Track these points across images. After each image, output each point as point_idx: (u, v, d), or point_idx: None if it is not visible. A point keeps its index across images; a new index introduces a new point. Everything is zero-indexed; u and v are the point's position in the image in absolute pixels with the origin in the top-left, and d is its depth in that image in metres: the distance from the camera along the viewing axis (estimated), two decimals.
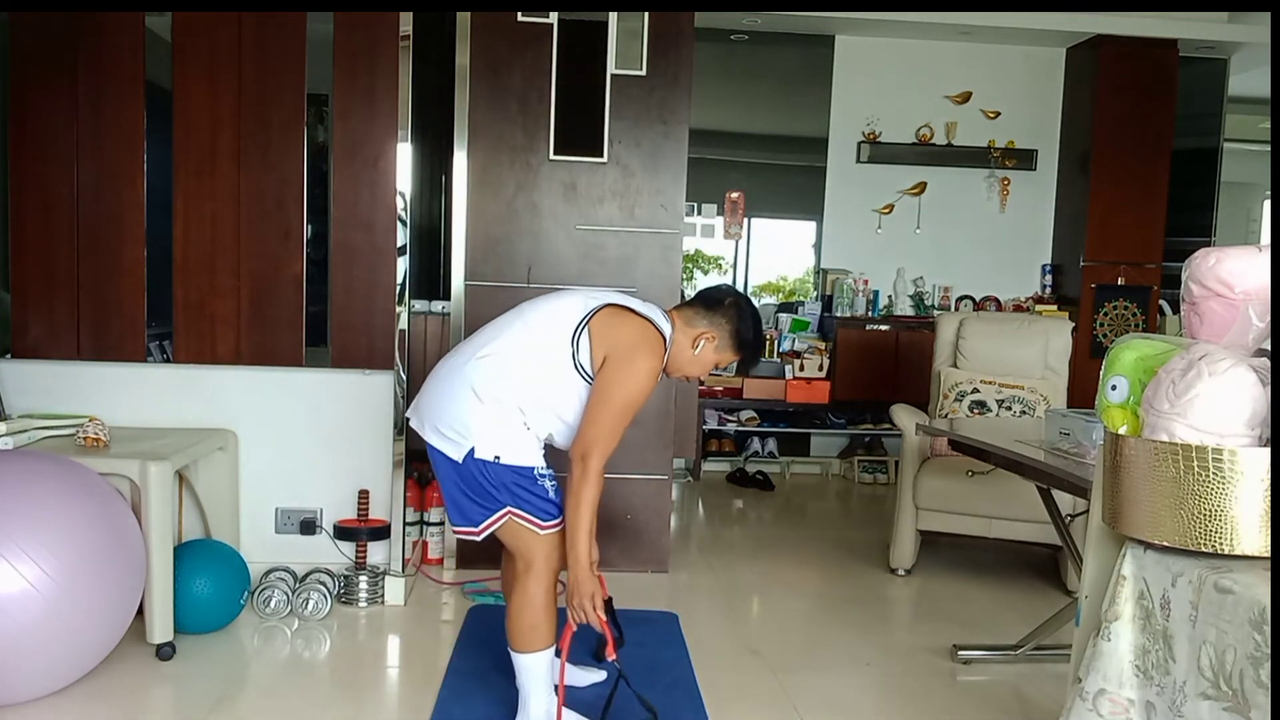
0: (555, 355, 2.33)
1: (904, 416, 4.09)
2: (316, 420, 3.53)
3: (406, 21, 3.38)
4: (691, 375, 2.53)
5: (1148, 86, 5.75)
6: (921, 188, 6.09)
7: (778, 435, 6.01)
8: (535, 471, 2.35)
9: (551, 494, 2.37)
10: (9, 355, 3.38)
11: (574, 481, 2.27)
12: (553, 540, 2.35)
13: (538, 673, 2.37)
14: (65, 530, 2.50)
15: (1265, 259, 1.80)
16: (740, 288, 6.38)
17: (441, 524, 3.85)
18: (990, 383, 4.24)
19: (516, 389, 2.32)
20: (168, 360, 3.44)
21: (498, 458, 2.31)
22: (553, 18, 3.73)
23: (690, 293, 6.20)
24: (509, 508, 2.32)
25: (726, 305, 2.49)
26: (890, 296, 6.08)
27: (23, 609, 2.39)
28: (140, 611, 2.80)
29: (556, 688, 2.43)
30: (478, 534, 2.35)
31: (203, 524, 3.37)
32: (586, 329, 2.34)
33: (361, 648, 3.13)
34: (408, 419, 2.48)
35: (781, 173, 6.28)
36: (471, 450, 2.30)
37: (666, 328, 2.42)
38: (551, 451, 2.44)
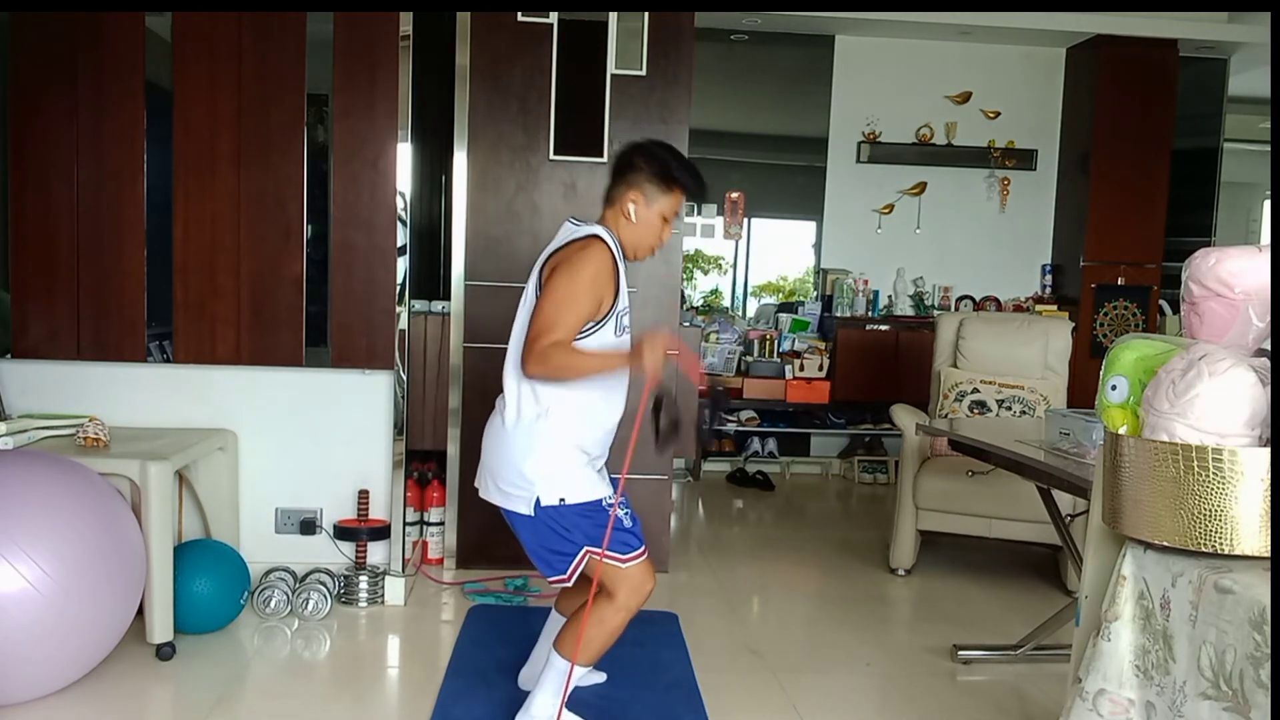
0: None
1: (904, 416, 4.09)
2: (316, 420, 3.53)
3: (406, 21, 3.38)
4: (653, 243, 2.41)
5: (1148, 86, 5.75)
6: (921, 188, 6.09)
7: (778, 435, 6.01)
8: (604, 503, 2.34)
9: (627, 523, 2.36)
10: (9, 355, 3.38)
11: (550, 372, 2.21)
12: (635, 573, 2.33)
13: (563, 679, 2.37)
14: (65, 530, 2.50)
15: (1265, 259, 1.80)
16: (740, 288, 6.41)
17: (441, 524, 3.85)
18: (990, 383, 4.24)
19: (543, 403, 2.31)
20: (168, 360, 3.44)
21: (563, 500, 2.31)
22: (553, 18, 3.72)
23: (690, 292, 6.26)
24: (587, 547, 2.31)
25: (633, 159, 2.38)
26: (890, 296, 6.08)
27: (23, 609, 2.39)
28: (140, 611, 2.80)
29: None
30: (568, 580, 2.35)
31: (203, 524, 3.37)
32: (538, 291, 2.32)
33: (361, 648, 3.13)
34: (476, 488, 2.46)
35: (781, 173, 6.29)
36: (537, 500, 2.30)
37: (598, 228, 2.35)
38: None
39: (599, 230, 2.35)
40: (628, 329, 2.42)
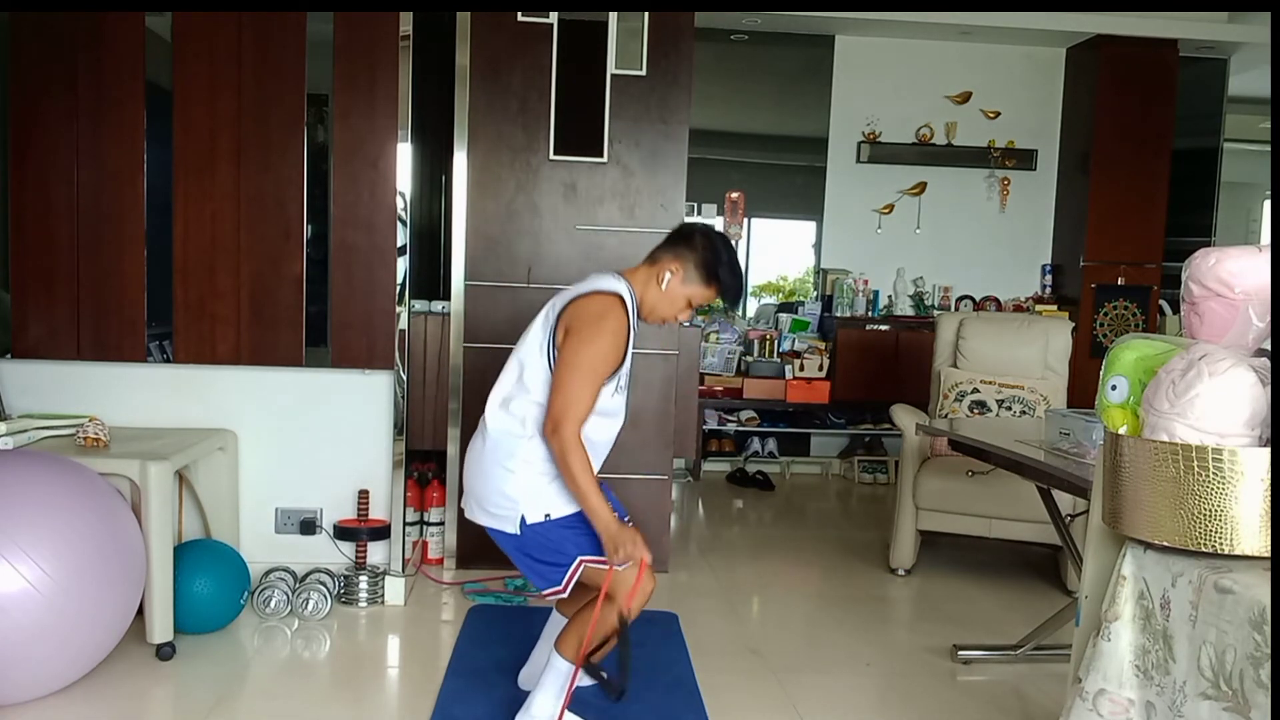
0: (543, 381, 2.35)
1: (904, 416, 4.09)
2: (316, 420, 3.53)
3: (406, 21, 3.38)
4: (668, 316, 2.47)
5: (1148, 86, 5.75)
6: (921, 188, 6.09)
7: (778, 435, 6.01)
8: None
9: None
10: (9, 355, 3.38)
11: (556, 455, 2.25)
12: (632, 573, 2.33)
13: (565, 679, 2.37)
14: (65, 530, 2.50)
15: (1265, 259, 1.80)
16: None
17: (441, 524, 3.85)
18: (990, 383, 4.24)
19: (530, 437, 2.34)
20: (168, 360, 3.44)
21: (548, 515, 2.33)
22: (553, 18, 3.72)
23: None
24: (580, 557, 2.33)
25: (694, 238, 2.43)
26: (890, 296, 6.08)
27: (23, 609, 2.39)
28: (140, 611, 2.80)
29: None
30: (564, 591, 2.36)
31: (203, 524, 3.37)
32: (554, 345, 2.35)
33: (361, 648, 3.13)
34: (461, 509, 2.49)
35: (781, 173, 6.29)
36: (523, 518, 2.33)
37: (620, 285, 2.38)
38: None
39: (622, 289, 2.38)
40: (626, 388, 2.46)
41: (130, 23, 3.30)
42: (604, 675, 2.36)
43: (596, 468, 2.41)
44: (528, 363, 2.40)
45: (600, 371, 2.30)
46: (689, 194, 3.97)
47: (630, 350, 2.40)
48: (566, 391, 2.26)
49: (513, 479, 2.34)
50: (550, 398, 2.28)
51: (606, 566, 2.31)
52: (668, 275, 2.41)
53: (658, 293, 2.43)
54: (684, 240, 2.44)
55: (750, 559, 4.23)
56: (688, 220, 2.52)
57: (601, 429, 2.42)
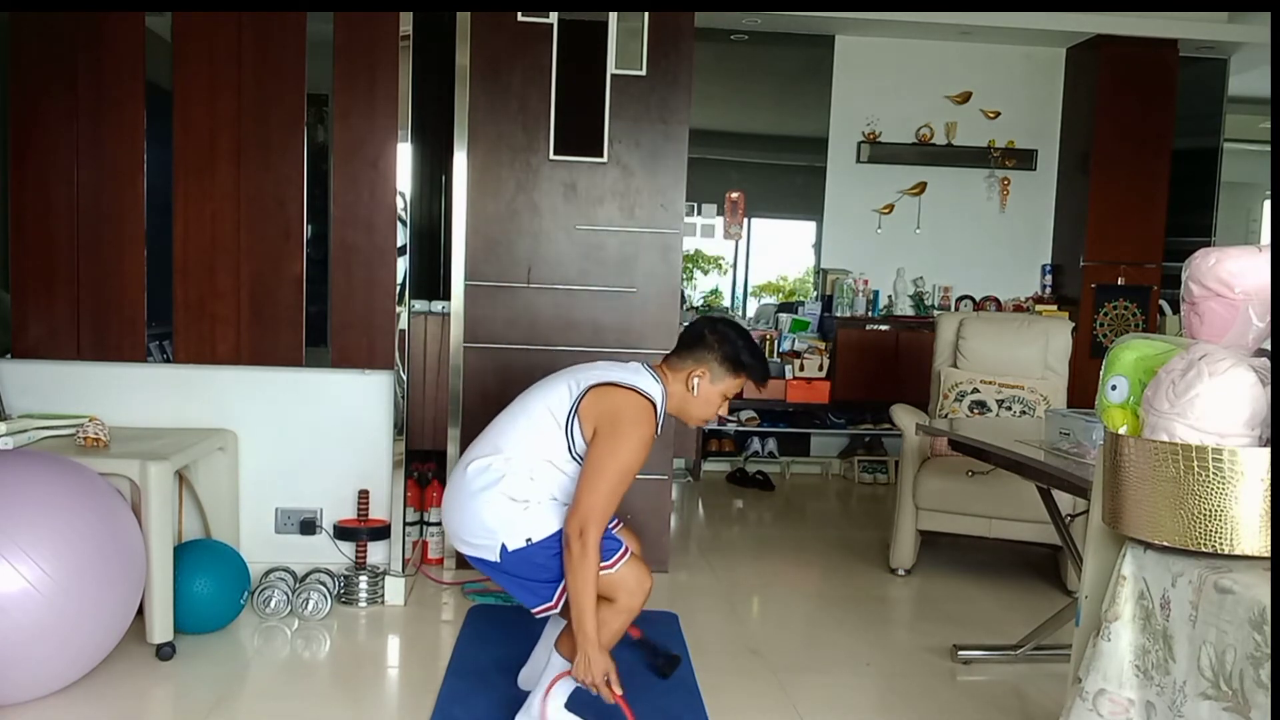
0: (553, 451, 2.37)
1: (904, 416, 4.09)
2: (316, 420, 3.53)
3: (406, 21, 3.38)
4: (708, 416, 2.53)
5: (1148, 86, 5.75)
6: (921, 188, 6.09)
7: (778, 435, 6.01)
8: None
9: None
10: (9, 355, 3.38)
11: (573, 558, 2.25)
12: (628, 574, 2.35)
13: (566, 681, 2.37)
14: (65, 530, 2.50)
15: (1265, 259, 1.80)
16: (740, 288, 6.41)
17: (441, 524, 3.85)
18: (990, 383, 4.24)
19: (507, 474, 2.36)
20: (168, 360, 3.44)
21: (529, 540, 2.34)
22: (553, 18, 3.73)
23: (690, 292, 6.26)
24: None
25: (706, 337, 2.48)
26: (890, 296, 6.08)
27: (23, 609, 2.39)
28: (140, 611, 2.80)
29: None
30: (555, 606, 2.37)
31: (203, 524, 3.37)
32: (576, 415, 2.36)
33: (361, 648, 3.13)
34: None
35: (781, 173, 6.29)
36: (503, 546, 2.34)
37: (655, 389, 2.42)
38: None
39: (656, 396, 2.41)
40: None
41: (130, 23, 3.30)
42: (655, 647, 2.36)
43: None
44: (535, 413, 2.41)
45: (629, 478, 2.32)
46: (689, 194, 3.97)
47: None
48: (596, 496, 2.27)
49: (490, 509, 2.35)
50: (579, 498, 2.28)
51: (602, 572, 2.31)
52: (695, 381, 2.46)
53: (691, 399, 2.48)
54: (699, 342, 2.48)
55: (750, 559, 4.23)
56: (694, 320, 2.57)
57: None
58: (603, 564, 2.32)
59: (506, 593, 3.54)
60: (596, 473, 2.28)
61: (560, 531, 2.34)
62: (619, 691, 2.30)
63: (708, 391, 2.47)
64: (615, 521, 2.62)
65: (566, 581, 2.29)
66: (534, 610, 2.40)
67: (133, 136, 3.33)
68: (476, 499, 2.37)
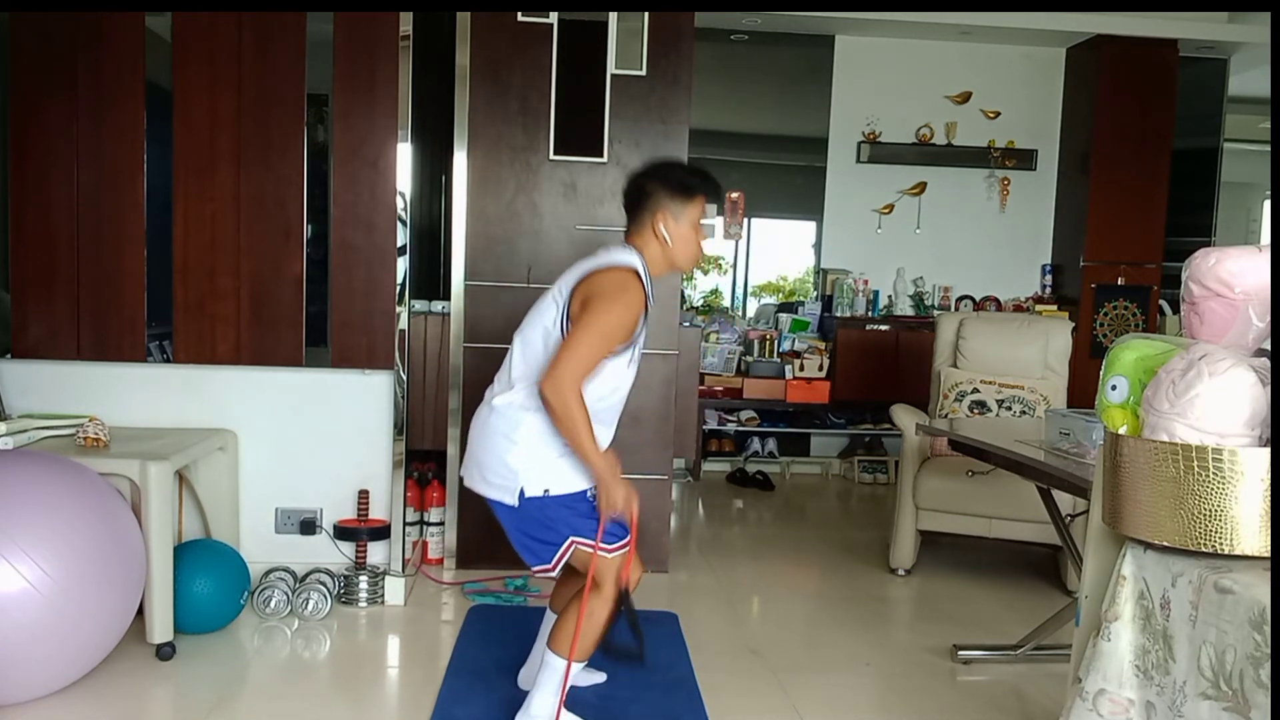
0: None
1: (904, 416, 4.09)
2: (316, 420, 3.53)
3: (406, 21, 3.38)
4: (694, 253, 2.45)
5: (1148, 86, 5.75)
6: (921, 188, 6.09)
7: (778, 435, 6.01)
8: (587, 494, 2.37)
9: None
10: (9, 355, 3.38)
11: (554, 405, 2.23)
12: (620, 562, 2.35)
13: (561, 677, 2.37)
14: (65, 530, 2.50)
15: (1265, 259, 1.80)
16: (740, 288, 6.41)
17: (441, 524, 3.85)
18: (990, 383, 4.24)
19: (536, 410, 2.33)
20: (168, 360, 3.44)
21: (547, 491, 2.32)
22: (553, 18, 3.72)
23: (690, 292, 6.26)
24: (571, 537, 2.33)
25: (645, 185, 2.42)
26: (890, 296, 6.08)
27: (23, 609, 2.39)
28: (140, 611, 2.80)
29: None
30: (552, 570, 2.37)
31: (203, 524, 3.37)
32: (568, 318, 2.34)
33: (361, 648, 3.13)
34: (461, 478, 2.48)
35: (781, 173, 6.29)
36: (522, 490, 2.32)
37: (632, 258, 2.37)
38: None
39: (636, 263, 2.37)
40: (638, 360, 2.45)
41: (130, 23, 3.30)
42: (617, 647, 2.36)
43: (607, 440, 2.41)
44: (533, 340, 2.39)
45: (610, 337, 2.28)
46: None
47: (646, 323, 2.40)
48: (572, 349, 2.24)
49: (515, 450, 2.33)
50: (556, 356, 2.26)
51: (600, 551, 2.31)
52: (661, 226, 2.40)
53: (668, 248, 2.41)
54: (642, 193, 2.42)
55: (750, 559, 4.23)
56: (626, 178, 2.50)
57: (611, 402, 2.41)
58: (605, 546, 2.32)
59: (507, 593, 3.56)
60: (578, 329, 2.26)
61: (580, 493, 2.34)
62: (634, 514, 2.31)
63: (678, 231, 2.40)
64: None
65: (562, 433, 2.27)
66: (533, 570, 2.39)
67: (133, 136, 3.33)
68: (499, 439, 2.34)
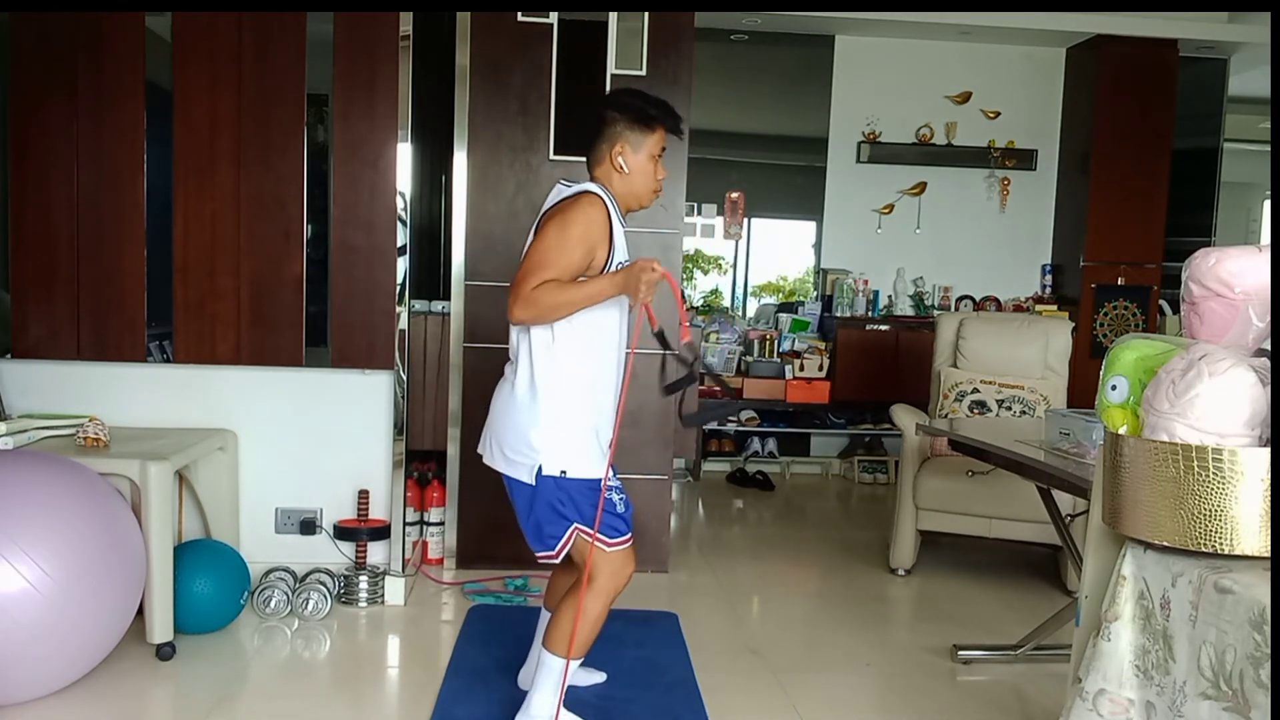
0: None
1: (904, 416, 4.09)
2: (316, 420, 3.53)
3: (406, 21, 3.38)
4: (652, 187, 2.42)
5: (1148, 86, 5.75)
6: (921, 188, 6.09)
7: (778, 435, 6.01)
8: (601, 483, 2.35)
9: (620, 508, 2.37)
10: (9, 355, 3.38)
11: (539, 311, 2.19)
12: (617, 558, 2.34)
13: (559, 676, 2.37)
14: (65, 530, 2.50)
15: (1265, 259, 1.80)
16: (740, 288, 6.41)
17: (441, 524, 3.85)
18: (990, 383, 4.24)
19: (554, 365, 2.30)
20: (168, 360, 3.44)
21: (564, 472, 2.31)
22: (553, 18, 3.72)
23: (690, 292, 6.25)
24: (575, 524, 2.32)
25: (604, 114, 2.40)
26: (890, 296, 6.08)
27: (23, 609, 2.39)
28: (140, 611, 2.80)
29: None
30: (555, 556, 2.36)
31: (203, 524, 3.37)
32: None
33: (361, 648, 3.13)
34: (479, 454, 2.46)
35: (781, 173, 6.29)
36: (539, 468, 2.31)
37: (592, 185, 2.36)
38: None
39: (591, 186, 2.35)
40: (629, 311, 2.41)
41: (130, 23, 3.30)
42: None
43: (608, 430, 2.38)
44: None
45: (571, 246, 2.23)
46: (689, 194, 3.97)
47: (620, 243, 2.34)
48: (531, 259, 2.21)
49: (538, 429, 2.31)
50: (517, 273, 2.23)
51: (598, 543, 2.31)
52: (619, 158, 2.38)
53: (625, 178, 2.38)
54: (601, 122, 2.40)
55: (750, 559, 4.23)
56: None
57: (606, 356, 2.37)
58: (606, 540, 2.32)
59: (507, 593, 3.56)
60: (537, 243, 2.24)
61: (595, 480, 2.32)
62: (667, 271, 2.22)
63: (635, 161, 2.38)
64: (624, 502, 2.58)
65: (564, 314, 2.23)
66: (537, 554, 2.38)
67: (133, 136, 3.33)
68: (523, 415, 2.32)
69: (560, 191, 2.39)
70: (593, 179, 2.41)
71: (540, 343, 2.31)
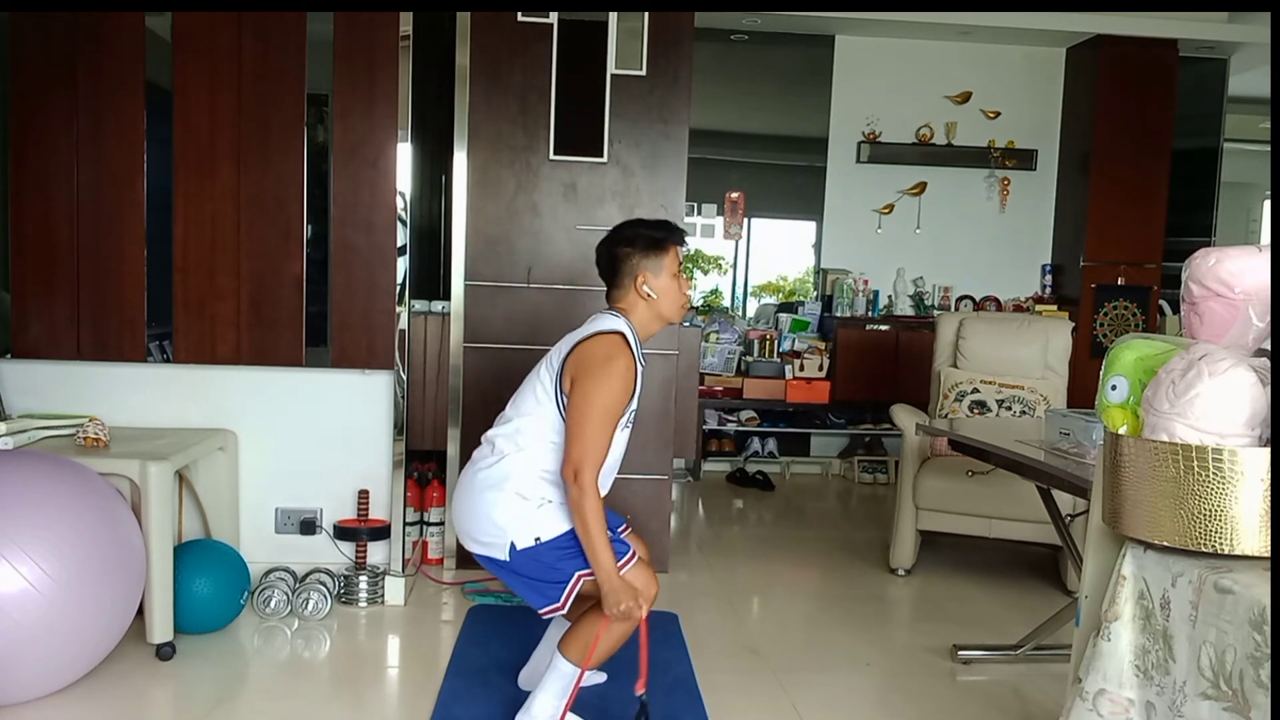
0: (553, 428, 2.38)
1: (904, 416, 4.09)
2: (316, 420, 3.53)
3: (406, 21, 3.38)
4: (682, 302, 2.50)
5: (1148, 86, 5.75)
6: (921, 188, 6.09)
7: (778, 435, 6.01)
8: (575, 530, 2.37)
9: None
10: (9, 355, 3.38)
11: (573, 501, 2.28)
12: (635, 578, 2.34)
13: (569, 682, 2.37)
14: (65, 530, 2.50)
15: (1265, 259, 1.80)
16: (740, 288, 6.41)
17: (441, 524, 3.85)
18: (990, 383, 4.24)
19: (530, 487, 2.36)
20: (168, 360, 3.44)
21: (538, 539, 2.34)
22: (553, 18, 3.72)
23: (690, 293, 6.24)
24: (578, 573, 2.34)
25: (617, 252, 2.47)
26: (890, 296, 6.08)
27: (23, 609, 2.39)
28: (140, 611, 2.80)
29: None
30: (563, 607, 2.37)
31: (203, 524, 3.37)
32: (559, 383, 2.37)
33: (361, 648, 3.13)
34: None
35: (781, 173, 6.29)
36: (512, 545, 2.34)
37: (619, 323, 2.42)
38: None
39: (623, 327, 2.41)
40: (632, 424, 2.48)
41: (130, 23, 3.30)
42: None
43: (605, 490, 2.43)
44: (525, 396, 2.44)
45: (614, 413, 2.33)
46: (689, 194, 3.97)
47: (639, 387, 2.42)
48: (584, 438, 2.28)
49: (500, 507, 2.36)
50: (568, 446, 2.31)
51: None
52: (644, 285, 2.45)
53: (655, 303, 2.47)
54: (616, 259, 2.48)
55: (750, 559, 4.23)
56: (597, 253, 2.56)
57: (609, 462, 2.44)
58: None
59: (507, 593, 3.56)
60: (582, 414, 2.29)
61: (570, 531, 2.34)
62: (644, 615, 2.29)
63: (661, 285, 2.45)
64: (624, 526, 2.63)
65: (575, 526, 2.30)
66: (541, 611, 2.40)
67: (132, 136, 3.33)
68: (485, 497, 2.38)
69: (593, 323, 2.43)
70: (617, 309, 2.48)
71: (533, 452, 2.37)
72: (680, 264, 2.51)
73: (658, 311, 2.48)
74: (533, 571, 2.36)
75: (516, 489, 2.36)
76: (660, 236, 2.47)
